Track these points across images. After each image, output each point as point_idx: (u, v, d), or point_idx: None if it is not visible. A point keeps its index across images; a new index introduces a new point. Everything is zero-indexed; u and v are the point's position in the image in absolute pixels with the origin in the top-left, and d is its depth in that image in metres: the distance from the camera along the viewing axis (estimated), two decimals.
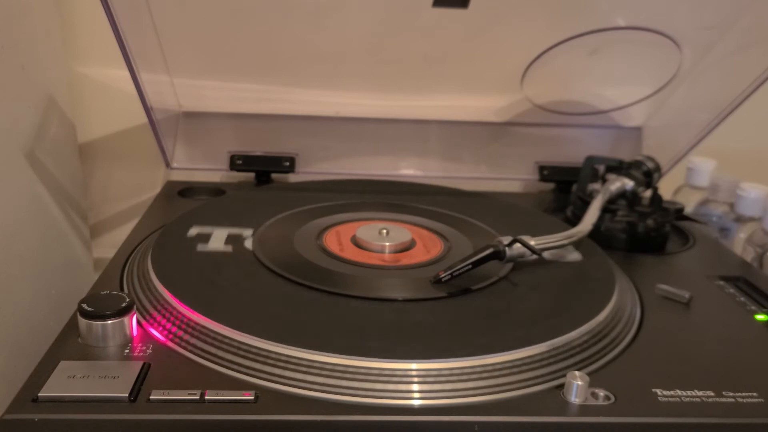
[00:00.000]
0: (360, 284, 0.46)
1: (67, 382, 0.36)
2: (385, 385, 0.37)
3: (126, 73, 0.57)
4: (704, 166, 0.73)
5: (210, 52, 0.65)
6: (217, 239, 0.52)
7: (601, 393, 0.37)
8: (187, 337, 0.40)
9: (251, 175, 0.73)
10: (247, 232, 0.54)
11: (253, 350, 0.38)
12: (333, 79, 0.69)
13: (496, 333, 0.41)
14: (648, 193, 0.63)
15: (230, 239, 0.53)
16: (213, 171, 0.73)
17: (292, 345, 0.38)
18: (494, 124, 0.75)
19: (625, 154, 0.70)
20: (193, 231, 0.54)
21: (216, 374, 0.38)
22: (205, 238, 0.52)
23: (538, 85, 0.71)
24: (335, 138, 0.74)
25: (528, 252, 0.49)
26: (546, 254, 0.51)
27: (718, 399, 0.38)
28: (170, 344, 0.40)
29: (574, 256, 0.53)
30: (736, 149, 0.74)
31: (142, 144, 0.74)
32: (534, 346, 0.40)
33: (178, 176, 0.74)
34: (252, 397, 0.35)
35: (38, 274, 0.58)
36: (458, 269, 0.47)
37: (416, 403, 0.36)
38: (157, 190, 0.73)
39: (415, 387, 0.37)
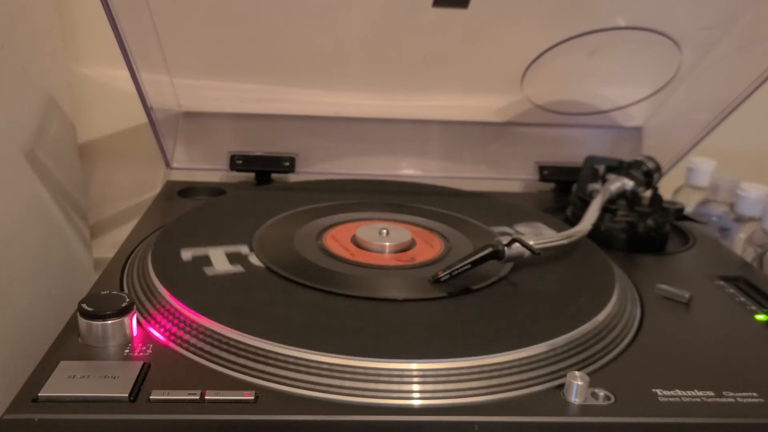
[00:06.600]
0: (360, 284, 0.46)
1: (67, 382, 0.36)
2: (385, 385, 0.37)
3: (126, 73, 0.57)
4: (704, 166, 0.73)
5: (210, 52, 0.65)
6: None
7: (601, 393, 0.37)
8: (187, 337, 0.40)
9: (251, 175, 0.73)
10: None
11: (253, 350, 0.38)
12: (333, 79, 0.69)
13: (496, 333, 0.41)
14: (648, 193, 0.63)
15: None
16: (213, 171, 0.73)
17: (292, 345, 0.38)
18: (494, 124, 0.75)
19: (625, 154, 0.70)
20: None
21: (216, 374, 0.38)
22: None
23: (538, 85, 0.71)
24: (335, 138, 0.74)
25: (527, 251, 0.49)
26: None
27: (718, 399, 0.38)
28: (170, 344, 0.40)
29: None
30: (736, 149, 0.74)
31: (142, 144, 0.74)
32: (534, 346, 0.40)
33: (178, 176, 0.73)
34: (252, 397, 0.35)
35: (38, 274, 0.58)
36: (457, 269, 0.47)
37: (416, 403, 0.36)
38: (157, 190, 0.73)
39: (415, 387, 0.37)
